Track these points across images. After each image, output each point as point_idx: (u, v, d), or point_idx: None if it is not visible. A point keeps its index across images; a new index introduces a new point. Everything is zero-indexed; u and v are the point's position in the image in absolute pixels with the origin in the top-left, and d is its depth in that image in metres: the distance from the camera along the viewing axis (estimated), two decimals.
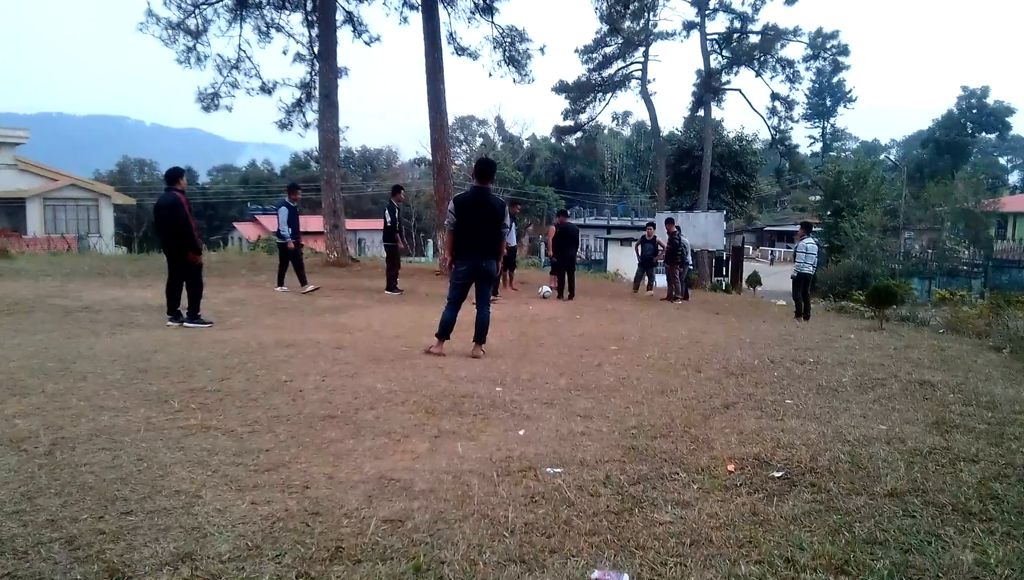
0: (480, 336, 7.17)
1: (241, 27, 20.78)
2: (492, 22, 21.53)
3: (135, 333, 7.70)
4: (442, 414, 4.80)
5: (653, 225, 18.38)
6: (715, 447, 4.13)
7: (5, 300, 9.84)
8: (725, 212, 33.56)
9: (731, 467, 3.76)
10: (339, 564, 2.64)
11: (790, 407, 5.20)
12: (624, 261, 34.21)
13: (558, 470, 3.67)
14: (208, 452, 3.87)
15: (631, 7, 33.69)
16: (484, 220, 6.93)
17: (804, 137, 73.01)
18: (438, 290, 14.35)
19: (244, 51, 21.10)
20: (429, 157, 22.45)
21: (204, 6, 20.04)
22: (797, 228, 15.16)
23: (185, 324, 8.50)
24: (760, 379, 6.25)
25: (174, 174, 8.79)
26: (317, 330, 8.34)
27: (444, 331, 7.15)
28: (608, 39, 35.86)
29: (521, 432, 4.42)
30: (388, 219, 13.33)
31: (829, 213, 36.38)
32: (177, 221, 8.44)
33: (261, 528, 2.92)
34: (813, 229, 15.07)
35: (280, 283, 12.82)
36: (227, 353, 6.64)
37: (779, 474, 3.66)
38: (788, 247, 61.96)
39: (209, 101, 21.12)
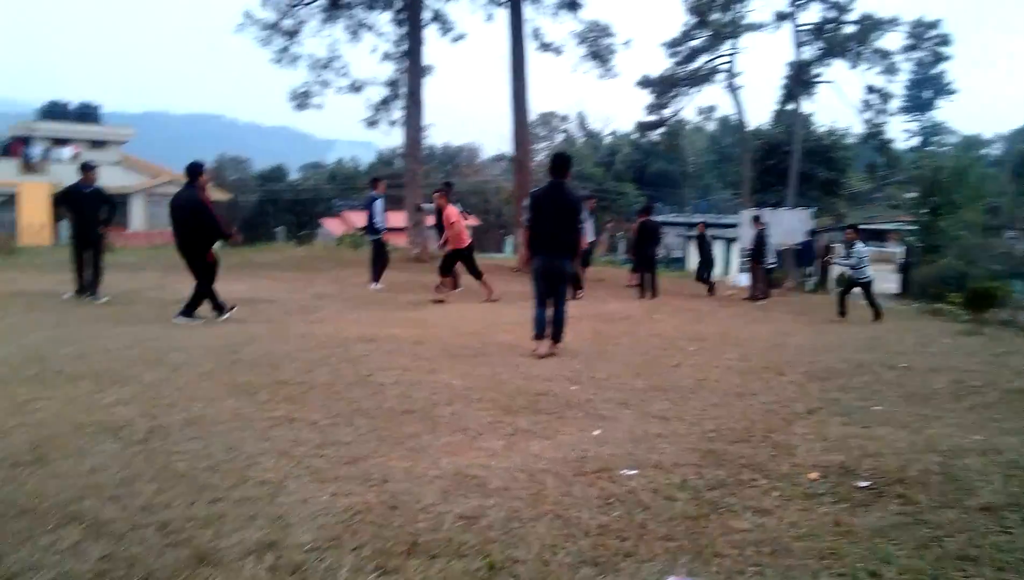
0: (555, 335, 7.11)
1: (333, 27, 21.39)
2: (576, 17, 21.46)
3: (226, 326, 8.05)
4: (517, 412, 4.83)
5: (705, 224, 17.96)
6: (797, 454, 4.01)
7: (108, 291, 10.42)
8: (813, 209, 32.41)
9: (814, 475, 3.64)
10: (416, 558, 2.69)
11: (878, 414, 4.99)
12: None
13: (633, 472, 3.64)
14: (293, 443, 4.01)
15: None
16: (559, 216, 6.83)
17: (900, 131, 69.53)
18: (514, 287, 14.42)
19: (335, 51, 21.70)
20: (510, 153, 22.54)
21: (299, 7, 20.72)
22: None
23: (174, 320, 8.23)
24: (847, 384, 6.02)
25: (195, 170, 8.47)
26: (397, 325, 8.51)
27: (536, 330, 7.03)
28: (695, 32, 35.12)
29: (596, 432, 4.40)
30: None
31: (925, 211, 34.65)
32: (198, 221, 8.22)
33: (341, 520, 3.01)
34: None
35: (376, 280, 12.91)
36: (312, 347, 6.86)
37: (865, 484, 3.52)
38: (880, 246, 59.44)
39: (301, 100, 21.85)
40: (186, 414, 4.49)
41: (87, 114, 40.59)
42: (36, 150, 36.17)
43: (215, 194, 42.12)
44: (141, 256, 17.23)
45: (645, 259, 14.32)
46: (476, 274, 11.79)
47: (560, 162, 7.04)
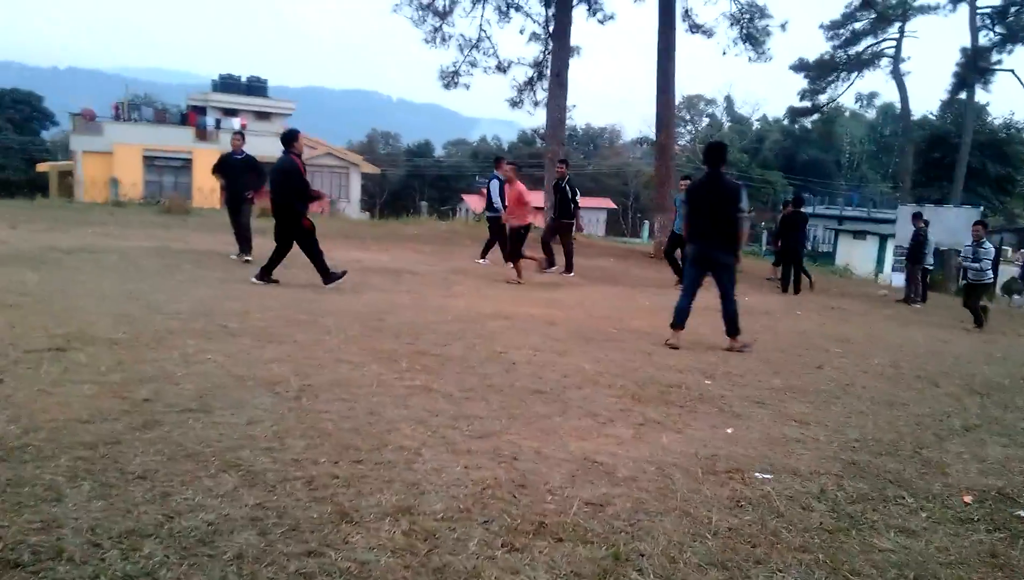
0: (729, 329, 6.91)
1: (484, 7, 21.72)
2: None
3: (371, 294, 8.43)
4: (648, 401, 4.78)
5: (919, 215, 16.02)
6: (949, 473, 3.74)
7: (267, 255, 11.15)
8: (982, 208, 29.75)
9: (967, 498, 3.39)
10: (542, 539, 2.74)
11: None
12: (856, 255, 31.61)
13: (768, 476, 3.52)
14: (429, 413, 4.17)
15: None
16: (715, 206, 6.69)
17: None
18: (650, 274, 14.23)
19: (484, 31, 22.05)
20: (652, 137, 22.15)
21: None
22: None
23: (252, 280, 8.46)
24: (1010, 402, 5.54)
25: (289, 137, 8.54)
26: (531, 304, 8.61)
27: (677, 319, 6.88)
28: (859, 13, 32.97)
29: (729, 430, 4.29)
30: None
31: None
32: (290, 185, 8.31)
33: (472, 493, 3.10)
34: None
35: (483, 256, 13.16)
36: (449, 320, 7.08)
37: None
38: None
39: (450, 79, 22.37)
40: (334, 375, 4.76)
41: (255, 87, 43.51)
42: (209, 120, 39.15)
43: (365, 167, 44.20)
44: None
45: (790, 252, 13.70)
46: (516, 255, 11.11)
47: (716, 151, 6.93)
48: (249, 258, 10.46)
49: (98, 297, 6.83)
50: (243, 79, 43.65)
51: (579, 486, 3.27)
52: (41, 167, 40.50)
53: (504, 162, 13.62)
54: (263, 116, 42.36)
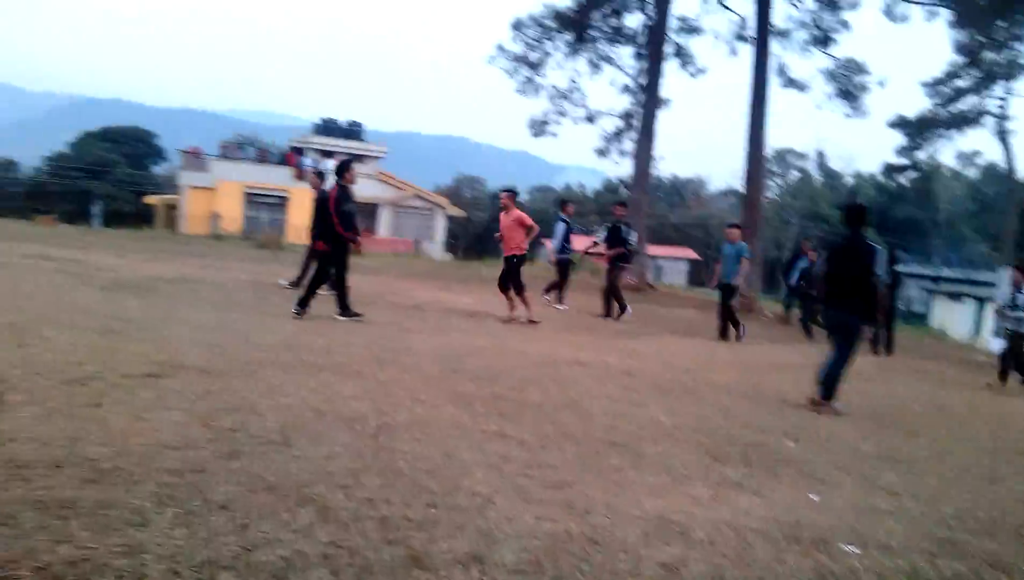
0: (827, 392, 6.63)
1: (576, 60, 22.16)
2: (827, 53, 20.39)
3: (452, 335, 8.53)
4: (727, 460, 4.63)
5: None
6: None
7: (354, 292, 11.46)
8: None
9: None
10: None
11: None
12: (952, 318, 30.03)
13: (855, 550, 3.33)
14: (503, 459, 4.14)
15: (995, 38, 29.60)
16: (852, 269, 6.56)
17: None
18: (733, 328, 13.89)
19: (575, 82, 22.45)
20: (739, 189, 21.86)
21: (546, 40, 21.72)
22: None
23: (337, 317, 8.58)
24: None
25: (340, 168, 9.01)
26: (609, 352, 8.53)
27: (826, 387, 6.62)
28: (962, 71, 31.86)
29: (814, 497, 4.10)
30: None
31: None
32: (323, 213, 8.63)
33: (544, 545, 3.05)
34: None
35: (547, 292, 13.20)
36: (527, 365, 7.07)
37: None
38: None
39: (539, 127, 22.81)
40: (411, 415, 4.81)
41: (352, 131, 45.35)
42: (307, 161, 40.92)
43: (450, 209, 45.12)
44: (383, 261, 18.82)
45: (883, 311, 13.12)
46: (515, 287, 10.54)
47: (856, 212, 6.90)
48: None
49: (193, 326, 7.14)
50: (341, 123, 45.57)
51: (653, 546, 3.17)
52: (149, 200, 43.06)
53: (569, 205, 13.71)
54: (358, 158, 43.98)
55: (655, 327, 12.19)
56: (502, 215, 10.94)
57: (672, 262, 49.64)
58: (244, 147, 41.84)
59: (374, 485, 3.52)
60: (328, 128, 44.78)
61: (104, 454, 3.52)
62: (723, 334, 11.65)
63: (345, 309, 8.76)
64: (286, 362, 5.96)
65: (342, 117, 46.92)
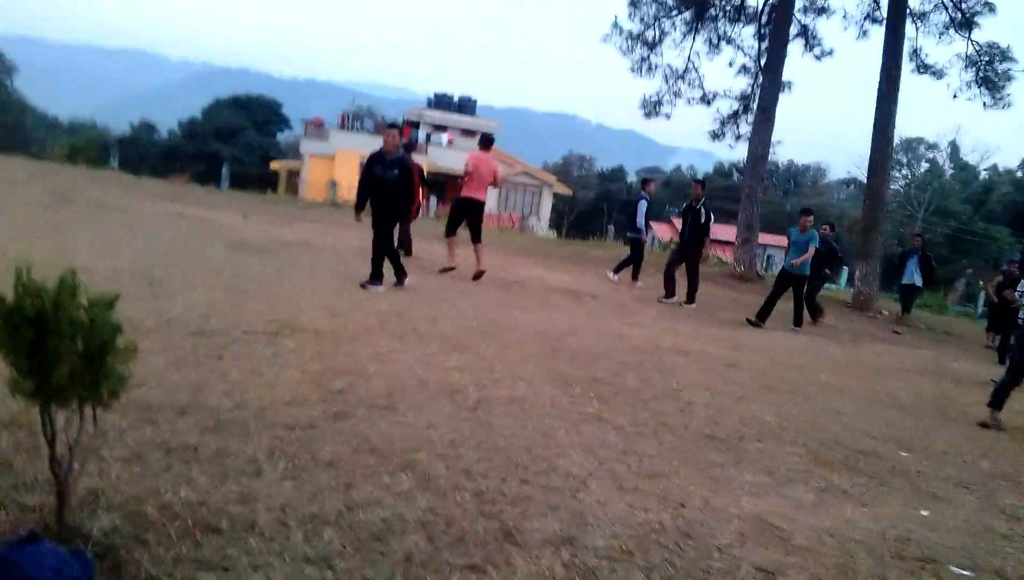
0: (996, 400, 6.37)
1: (694, 39, 21.48)
2: (968, 38, 18.91)
3: (552, 313, 8.55)
4: (832, 466, 4.45)
5: None
6: None
7: (461, 268, 11.67)
8: None
9: None
10: None
11: None
12: None
13: (967, 573, 3.15)
14: (599, 443, 4.14)
15: None
16: None
17: None
18: (845, 323, 13.29)
19: (692, 62, 21.76)
20: (861, 178, 20.75)
21: (663, 19, 21.14)
22: None
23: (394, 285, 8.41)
24: None
25: (407, 146, 9.06)
26: (711, 342, 8.33)
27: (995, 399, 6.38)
28: None
29: (924, 513, 3.89)
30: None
31: None
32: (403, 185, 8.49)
33: (635, 534, 3.04)
34: None
35: (616, 272, 12.93)
36: (626, 349, 7.02)
37: None
38: None
39: (652, 108, 22.29)
40: (510, 391, 4.87)
41: (465, 106, 45.89)
42: (420, 133, 41.74)
43: (557, 187, 45.04)
44: (488, 235, 18.97)
45: (1010, 318, 12.21)
46: (451, 229, 10.35)
47: None
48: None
49: (309, 290, 7.46)
50: (455, 98, 46.15)
51: (749, 547, 3.10)
52: (273, 165, 45.08)
53: (651, 183, 13.40)
54: (469, 133, 44.50)
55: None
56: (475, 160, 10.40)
57: (780, 251, 47.80)
58: (362, 118, 43.06)
59: (472, 458, 3.60)
60: (441, 102, 45.47)
61: (224, 405, 3.75)
62: (803, 320, 11.20)
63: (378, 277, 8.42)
64: (395, 330, 6.15)
65: (455, 92, 47.59)
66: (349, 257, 10.39)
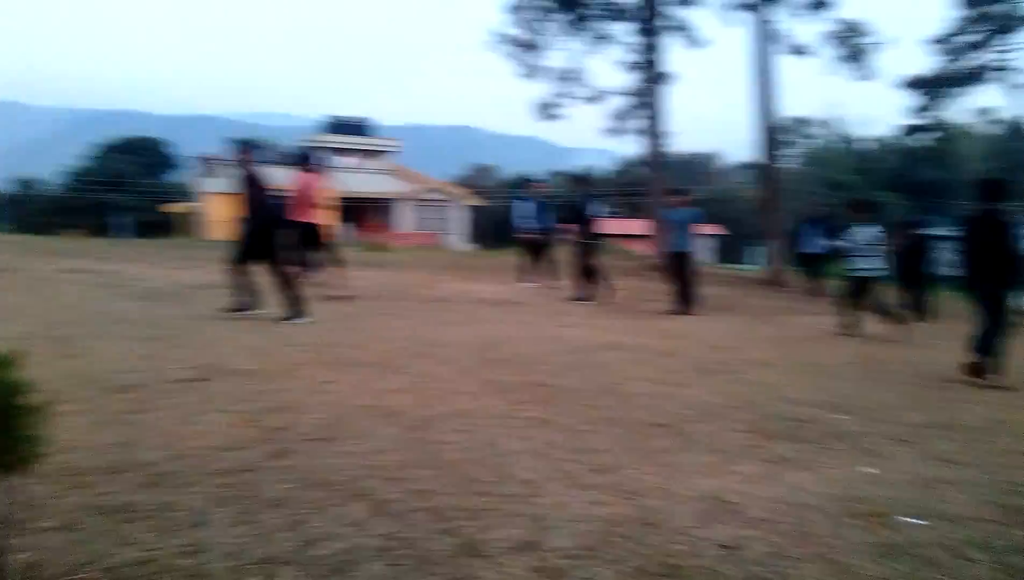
0: (982, 359, 6.67)
1: (576, 40, 21.85)
2: (827, 17, 19.96)
3: (483, 325, 8.50)
4: (777, 437, 4.56)
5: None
6: None
7: (383, 288, 11.53)
8: None
9: None
10: None
11: None
12: None
13: (916, 521, 3.26)
14: (548, 446, 4.12)
15: None
16: (988, 242, 6.69)
17: None
18: (767, 302, 13.75)
19: (578, 62, 22.14)
20: (755, 160, 21.55)
21: (544, 22, 21.44)
22: None
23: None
24: None
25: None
26: (645, 334, 8.46)
27: (982, 355, 6.70)
28: (972, 26, 31.11)
29: (868, 470, 4.02)
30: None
31: None
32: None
33: (598, 529, 3.02)
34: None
35: (532, 279, 12.98)
36: (563, 350, 7.04)
37: None
38: None
39: (545, 111, 22.53)
40: (452, 406, 4.80)
41: (362, 127, 45.30)
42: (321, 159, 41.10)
43: (469, 199, 45.09)
44: (406, 256, 18.86)
45: (914, 276, 12.88)
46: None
47: (994, 187, 6.96)
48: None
49: (230, 331, 7.17)
50: (351, 121, 45.58)
51: (710, 526, 3.12)
52: (169, 207, 43.48)
53: (531, 184, 13.63)
54: (371, 154, 44.07)
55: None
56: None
57: (702, 239, 49.25)
58: (257, 150, 42.15)
59: (424, 477, 3.52)
60: (337, 126, 44.80)
61: (158, 458, 3.55)
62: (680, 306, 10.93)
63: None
64: (326, 361, 5.99)
65: (351, 114, 46.99)
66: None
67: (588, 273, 11.68)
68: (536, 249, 13.14)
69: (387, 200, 41.71)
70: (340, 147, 43.22)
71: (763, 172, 19.07)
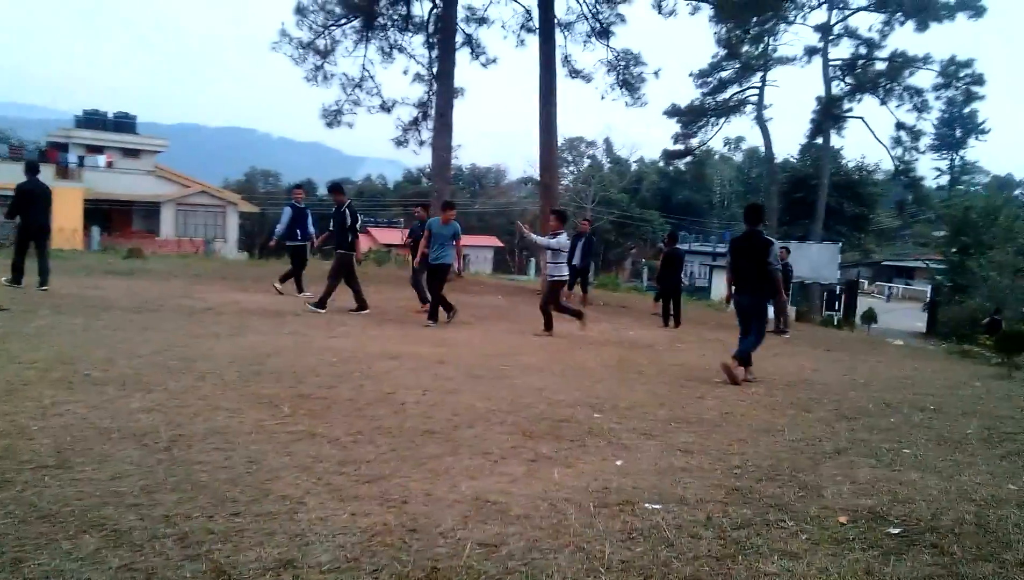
0: (744, 360, 7.63)
1: (366, 48, 21.70)
2: (607, 45, 21.65)
3: (251, 337, 8.07)
4: (539, 437, 4.77)
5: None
6: (825, 495, 3.91)
7: (136, 298, 10.55)
8: (841, 244, 32.13)
9: (843, 519, 3.55)
10: None
11: (908, 458, 4.88)
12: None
13: (657, 506, 3.56)
14: (313, 459, 3.98)
15: (751, 32, 33.03)
16: (750, 260, 7.54)
17: (930, 169, 68.87)
18: (538, 311, 14.38)
19: (368, 71, 21.99)
20: (537, 177, 22.64)
21: (333, 27, 21.02)
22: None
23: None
24: (875, 425, 5.90)
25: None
26: (420, 343, 8.50)
27: (743, 359, 7.62)
28: (725, 63, 35.29)
29: (619, 463, 4.33)
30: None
31: (954, 250, 34.26)
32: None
33: (360, 541, 2.97)
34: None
35: (282, 281, 12.81)
36: (335, 361, 6.86)
37: (896, 531, 3.43)
38: (907, 284, 58.60)
39: (332, 118, 22.09)
40: (209, 424, 4.48)
41: (123, 124, 41.44)
42: (72, 156, 36.89)
43: (243, 205, 42.71)
44: (169, 263, 17.42)
45: (670, 287, 14.23)
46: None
47: (754, 212, 7.89)
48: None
49: None
50: (109, 115, 41.51)
51: (472, 527, 3.19)
52: None
53: (298, 190, 13.52)
54: (132, 153, 40.38)
55: (465, 315, 12.29)
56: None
57: (477, 250, 50.57)
58: None
59: (170, 501, 3.25)
60: (93, 121, 40.62)
61: None
62: (434, 315, 10.77)
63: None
64: (60, 378, 5.34)
65: (110, 109, 42.80)
66: None
67: (347, 282, 11.31)
68: (298, 258, 12.78)
69: (147, 203, 38.38)
70: (95, 144, 39.22)
71: (543, 188, 20.02)
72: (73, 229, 27.65)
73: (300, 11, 20.38)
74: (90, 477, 3.47)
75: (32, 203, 10.72)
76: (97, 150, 38.58)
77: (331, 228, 11.40)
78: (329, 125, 22.18)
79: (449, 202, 12.07)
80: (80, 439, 4.01)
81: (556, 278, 10.70)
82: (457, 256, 11.16)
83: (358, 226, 11.19)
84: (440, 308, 10.71)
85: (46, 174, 33.25)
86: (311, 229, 12.83)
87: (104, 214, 35.97)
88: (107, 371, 5.70)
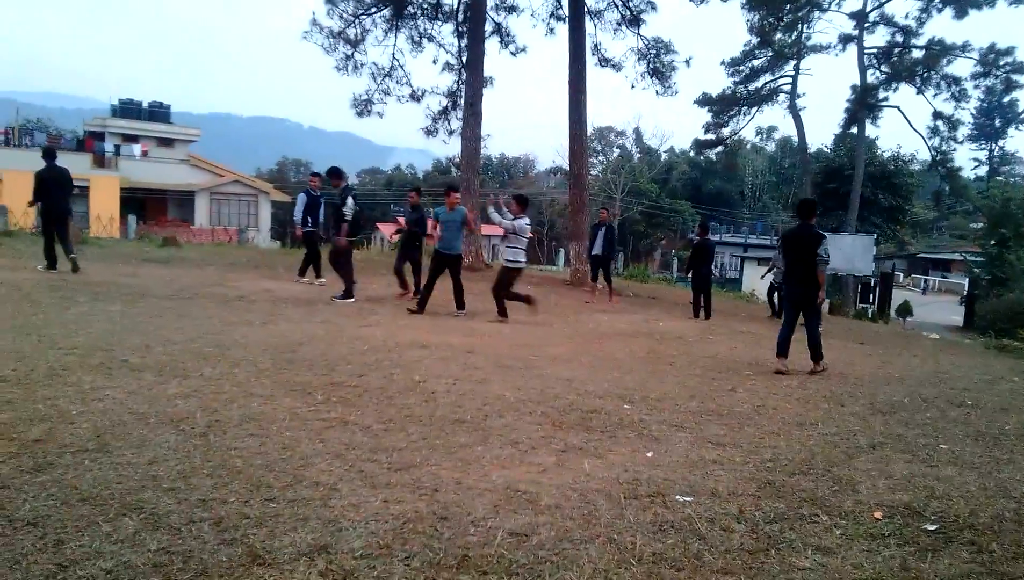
0: (814, 355, 7.90)
1: (396, 37, 21.69)
2: (638, 34, 21.40)
3: (283, 325, 8.16)
4: (569, 428, 4.77)
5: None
6: (860, 490, 3.87)
7: (171, 286, 10.72)
8: (876, 236, 31.56)
9: (878, 514, 3.50)
10: (465, 573, 2.66)
11: (945, 453, 4.80)
12: (761, 281, 32.95)
13: (688, 499, 3.55)
14: (346, 446, 4.03)
15: (784, 20, 32.47)
16: (801, 252, 7.75)
17: (968, 160, 67.52)
18: (567, 300, 14.37)
19: (397, 60, 21.98)
20: (565, 167, 22.54)
21: (363, 16, 21.07)
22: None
23: None
24: (910, 419, 5.81)
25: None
26: (449, 333, 8.53)
27: (781, 349, 7.85)
28: (757, 52, 34.73)
29: (649, 454, 4.32)
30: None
31: (993, 242, 33.48)
32: None
33: (392, 528, 3.00)
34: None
35: (301, 274, 12.98)
36: (366, 350, 6.92)
37: (933, 527, 3.38)
38: (943, 276, 57.49)
39: (363, 107, 22.15)
40: (244, 410, 4.55)
41: (157, 113, 42.04)
42: (108, 146, 37.52)
43: (275, 194, 43.15)
44: (203, 252, 17.68)
45: (700, 278, 14.10)
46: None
47: (807, 207, 8.10)
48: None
49: None
50: (144, 104, 42.12)
51: (502, 516, 3.20)
52: None
53: (317, 177, 13.52)
54: (166, 142, 40.98)
55: (493, 305, 12.29)
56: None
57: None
58: (32, 133, 37.69)
59: (207, 486, 3.31)
60: (128, 110, 41.23)
61: None
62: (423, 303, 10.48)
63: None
64: (98, 364, 5.45)
65: (145, 99, 43.40)
66: (34, 293, 9.03)
67: (341, 268, 11.23)
68: (312, 245, 12.88)
69: (182, 192, 38.93)
70: (131, 133, 39.87)
71: (572, 177, 19.93)
72: (110, 217, 28.13)
73: (330, 0, 20.46)
74: (129, 461, 3.55)
75: (51, 189, 11.03)
76: (132, 139, 39.20)
77: (333, 217, 11.60)
78: (359, 114, 22.25)
79: (451, 185, 11.87)
80: (119, 424, 4.09)
81: (510, 263, 10.55)
82: (474, 232, 10.96)
83: (345, 210, 11.03)
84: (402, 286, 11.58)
85: (83, 163, 33.99)
86: (321, 218, 12.94)
87: (140, 203, 36.54)
88: (144, 357, 5.80)
